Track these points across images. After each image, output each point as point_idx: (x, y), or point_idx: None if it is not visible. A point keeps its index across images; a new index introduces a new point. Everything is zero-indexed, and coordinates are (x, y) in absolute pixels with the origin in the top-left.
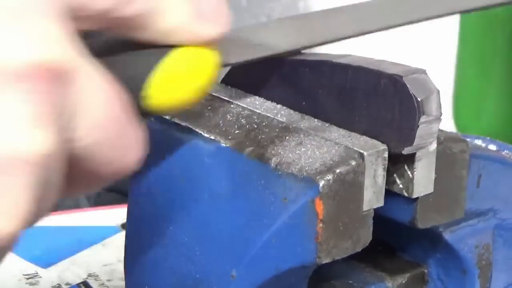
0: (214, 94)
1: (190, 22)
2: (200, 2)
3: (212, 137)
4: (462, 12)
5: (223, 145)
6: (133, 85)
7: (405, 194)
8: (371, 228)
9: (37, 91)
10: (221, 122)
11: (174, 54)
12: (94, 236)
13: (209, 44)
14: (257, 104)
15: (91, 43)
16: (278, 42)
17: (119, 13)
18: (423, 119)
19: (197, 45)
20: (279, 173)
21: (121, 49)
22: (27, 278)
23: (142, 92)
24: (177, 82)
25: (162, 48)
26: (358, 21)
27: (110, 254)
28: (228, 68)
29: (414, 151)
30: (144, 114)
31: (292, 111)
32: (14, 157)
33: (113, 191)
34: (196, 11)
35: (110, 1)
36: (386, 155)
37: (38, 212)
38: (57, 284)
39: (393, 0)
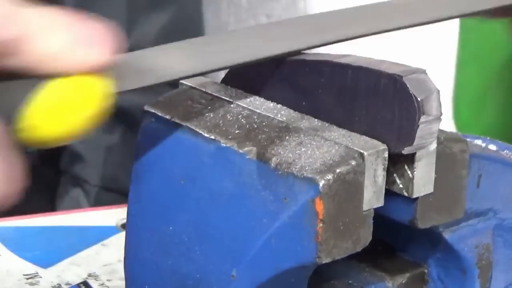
0: (214, 94)
1: (67, 48)
2: (78, 27)
3: (212, 137)
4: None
5: (223, 145)
6: (7, 117)
7: (405, 194)
8: (371, 228)
9: None
10: (221, 122)
11: (51, 84)
12: (94, 236)
13: (95, 71)
14: (257, 104)
15: None
16: (173, 67)
17: None
18: (423, 119)
19: (80, 73)
20: (279, 173)
21: None
22: (27, 278)
23: (17, 125)
24: (54, 113)
25: (39, 78)
26: (264, 42)
27: (110, 254)
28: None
29: (414, 151)
30: (26, 145)
31: (292, 111)
32: None
33: (113, 191)
34: (74, 36)
35: None
36: (386, 155)
37: None
38: (57, 284)
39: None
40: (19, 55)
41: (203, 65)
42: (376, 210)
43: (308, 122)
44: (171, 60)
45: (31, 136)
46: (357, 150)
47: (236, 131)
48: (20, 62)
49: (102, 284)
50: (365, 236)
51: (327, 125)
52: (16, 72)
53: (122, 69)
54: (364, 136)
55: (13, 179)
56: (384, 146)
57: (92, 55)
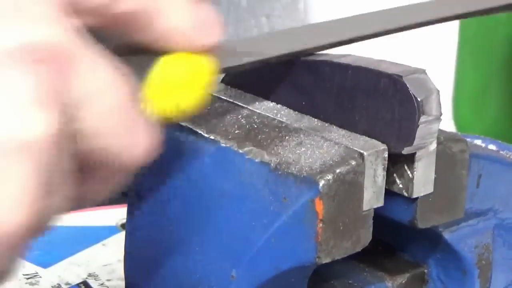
0: (214, 94)
1: (186, 27)
2: (197, 10)
3: (212, 137)
4: (458, 18)
5: (223, 145)
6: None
7: (405, 194)
8: (371, 228)
9: (34, 71)
10: (221, 122)
11: (166, 60)
12: (94, 236)
13: (204, 51)
14: (257, 104)
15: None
16: (269, 48)
17: (114, 8)
18: (423, 119)
19: (192, 51)
20: (279, 173)
21: (128, 53)
22: (27, 278)
23: (140, 96)
24: (171, 87)
25: (158, 53)
26: (352, 28)
27: (110, 254)
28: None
29: (414, 151)
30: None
31: (292, 111)
32: (15, 140)
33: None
34: (193, 17)
35: None
36: (386, 155)
37: (50, 204)
38: (57, 284)
39: (389, 10)
40: (147, 29)
41: (298, 46)
42: (376, 210)
43: (308, 122)
44: (266, 43)
45: (149, 108)
46: (357, 150)
47: (236, 131)
48: (145, 37)
49: (102, 284)
50: (365, 236)
51: (327, 125)
52: (137, 46)
53: (221, 51)
54: (364, 136)
55: (144, 138)
56: (384, 146)
57: (206, 37)
